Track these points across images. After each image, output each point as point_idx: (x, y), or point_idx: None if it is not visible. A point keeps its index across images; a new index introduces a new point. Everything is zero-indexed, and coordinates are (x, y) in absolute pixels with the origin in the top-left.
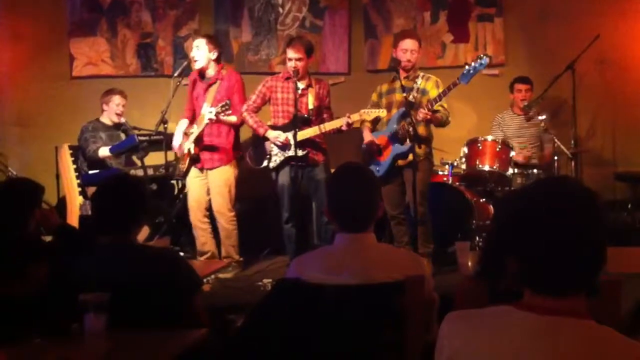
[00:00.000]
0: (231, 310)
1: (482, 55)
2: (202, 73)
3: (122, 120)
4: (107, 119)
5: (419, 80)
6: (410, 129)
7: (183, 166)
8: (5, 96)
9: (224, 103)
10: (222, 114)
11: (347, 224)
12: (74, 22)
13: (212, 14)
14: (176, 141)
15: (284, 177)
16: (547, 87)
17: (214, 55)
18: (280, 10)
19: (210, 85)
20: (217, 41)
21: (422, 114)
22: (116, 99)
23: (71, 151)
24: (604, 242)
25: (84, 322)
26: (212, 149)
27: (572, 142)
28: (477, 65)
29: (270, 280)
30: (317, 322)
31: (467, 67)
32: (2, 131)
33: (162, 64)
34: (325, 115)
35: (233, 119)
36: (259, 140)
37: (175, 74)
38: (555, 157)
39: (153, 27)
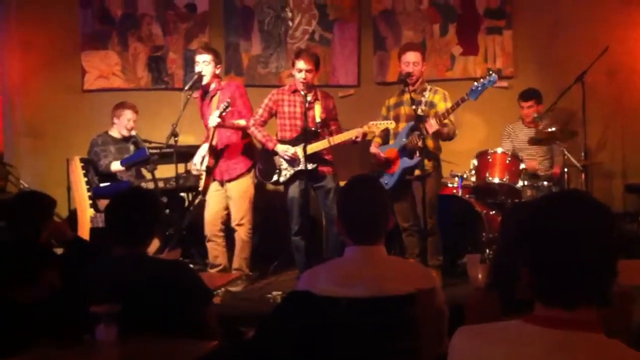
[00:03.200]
0: (241, 323)
1: (491, 72)
2: (205, 89)
3: (133, 133)
4: (116, 132)
5: (427, 93)
6: (420, 142)
7: (201, 184)
8: (17, 108)
9: (224, 105)
10: (224, 114)
11: (357, 236)
12: (86, 34)
13: (222, 27)
14: (197, 160)
15: (293, 190)
16: (557, 99)
17: (217, 71)
18: (290, 23)
19: (211, 98)
20: (220, 57)
21: (431, 126)
22: (128, 114)
23: (82, 164)
24: (615, 254)
25: (96, 333)
26: (227, 158)
27: (583, 154)
28: (485, 82)
29: (280, 292)
30: (327, 335)
31: (475, 83)
32: (14, 143)
33: (172, 77)
34: (333, 128)
35: (242, 122)
36: (267, 154)
37: (186, 87)
38: (566, 169)
39: (164, 40)
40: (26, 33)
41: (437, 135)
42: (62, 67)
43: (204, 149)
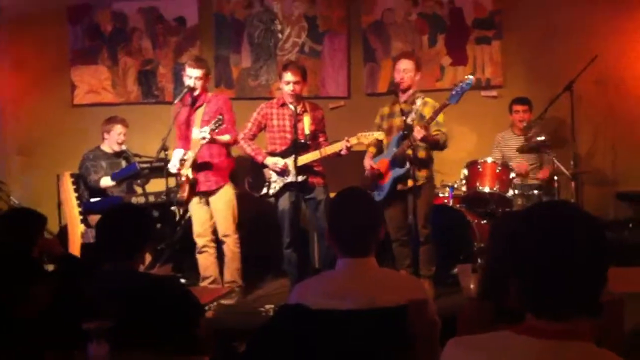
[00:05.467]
0: (234, 337)
1: (467, 76)
2: (193, 98)
3: (123, 147)
4: (108, 147)
5: (418, 102)
6: (410, 151)
7: (183, 194)
8: (8, 125)
9: (216, 119)
10: (217, 130)
11: (348, 248)
12: (76, 50)
13: (212, 40)
14: (173, 165)
15: (284, 203)
16: (546, 108)
17: (205, 83)
18: (280, 35)
19: (196, 109)
20: (209, 69)
21: (418, 132)
22: (118, 128)
23: (72, 179)
24: (603, 265)
25: (87, 350)
26: (206, 170)
27: (572, 162)
28: (464, 85)
29: (272, 305)
30: (319, 348)
31: (455, 87)
32: (5, 160)
33: (162, 91)
34: (321, 139)
35: (226, 137)
36: (257, 168)
37: (176, 101)
38: (555, 177)
39: (154, 54)
40: (17, 51)
41: (427, 142)
42: (52, 82)
43: (179, 153)
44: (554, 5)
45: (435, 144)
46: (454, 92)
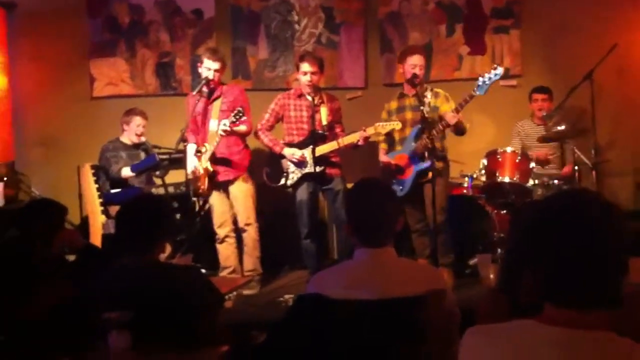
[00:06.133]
0: (253, 327)
1: (496, 66)
2: (209, 92)
3: (143, 139)
4: (127, 138)
5: (428, 94)
6: (429, 143)
7: (203, 186)
8: (28, 118)
9: (236, 111)
10: (237, 122)
11: (366, 238)
12: (94, 43)
13: (229, 32)
14: (190, 166)
15: (302, 193)
16: (565, 97)
17: (221, 75)
18: (297, 26)
19: (212, 102)
20: (225, 61)
21: (452, 118)
22: (137, 120)
23: (93, 171)
24: (623, 255)
25: (108, 341)
26: (225, 161)
27: (593, 151)
28: (492, 75)
29: (291, 295)
30: (337, 338)
31: (481, 78)
32: (25, 152)
33: (180, 83)
34: (338, 130)
35: (243, 128)
36: (274, 158)
37: (194, 92)
38: (576, 167)
39: (171, 46)
40: (36, 45)
41: (457, 128)
42: (71, 76)
43: (192, 149)
44: None
45: (463, 129)
46: (480, 83)
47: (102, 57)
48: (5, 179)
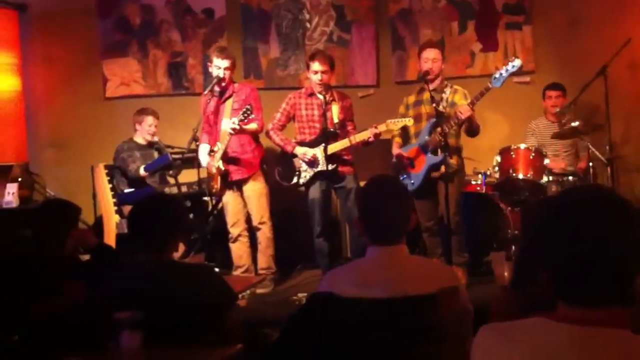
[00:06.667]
0: (266, 325)
1: (513, 58)
2: (222, 89)
3: (155, 139)
4: (140, 138)
5: (447, 91)
6: (442, 139)
7: (216, 185)
8: (41, 118)
9: (244, 109)
10: (246, 120)
11: (378, 236)
12: (106, 44)
13: (240, 31)
14: (204, 161)
15: (314, 192)
16: (579, 93)
17: (232, 73)
18: (308, 25)
19: (225, 101)
20: (235, 59)
21: (465, 111)
22: (149, 120)
23: (107, 170)
24: (637, 251)
25: (120, 340)
26: (237, 160)
27: (607, 147)
28: (509, 67)
29: (305, 294)
30: (350, 337)
31: (498, 71)
32: (39, 153)
33: (192, 82)
34: (349, 128)
35: (253, 126)
36: (287, 158)
37: (206, 92)
38: (591, 164)
39: (183, 46)
40: (48, 46)
41: (470, 123)
42: (84, 76)
43: (205, 148)
44: None
45: (477, 127)
46: (497, 75)
47: (114, 58)
48: (19, 179)
